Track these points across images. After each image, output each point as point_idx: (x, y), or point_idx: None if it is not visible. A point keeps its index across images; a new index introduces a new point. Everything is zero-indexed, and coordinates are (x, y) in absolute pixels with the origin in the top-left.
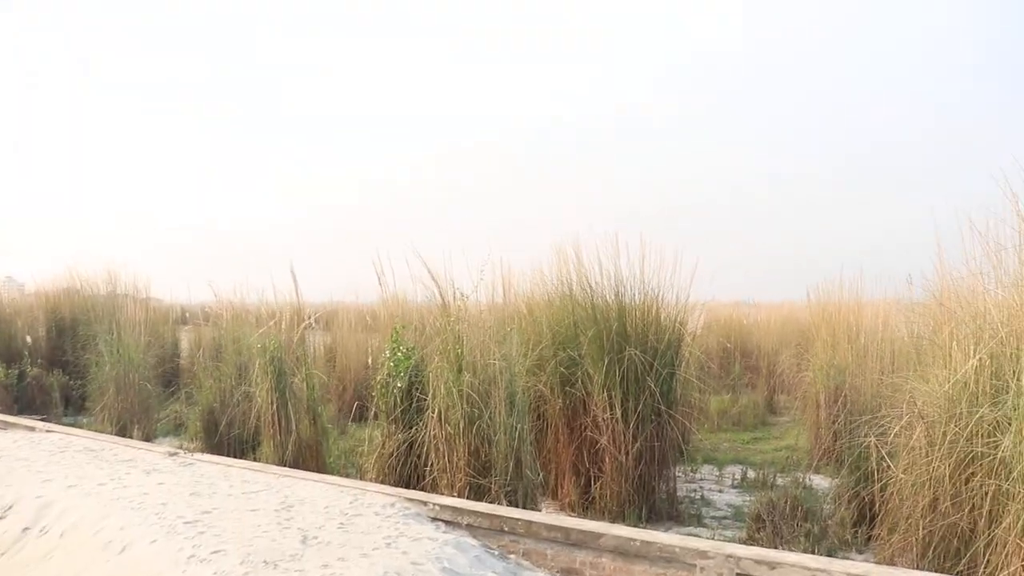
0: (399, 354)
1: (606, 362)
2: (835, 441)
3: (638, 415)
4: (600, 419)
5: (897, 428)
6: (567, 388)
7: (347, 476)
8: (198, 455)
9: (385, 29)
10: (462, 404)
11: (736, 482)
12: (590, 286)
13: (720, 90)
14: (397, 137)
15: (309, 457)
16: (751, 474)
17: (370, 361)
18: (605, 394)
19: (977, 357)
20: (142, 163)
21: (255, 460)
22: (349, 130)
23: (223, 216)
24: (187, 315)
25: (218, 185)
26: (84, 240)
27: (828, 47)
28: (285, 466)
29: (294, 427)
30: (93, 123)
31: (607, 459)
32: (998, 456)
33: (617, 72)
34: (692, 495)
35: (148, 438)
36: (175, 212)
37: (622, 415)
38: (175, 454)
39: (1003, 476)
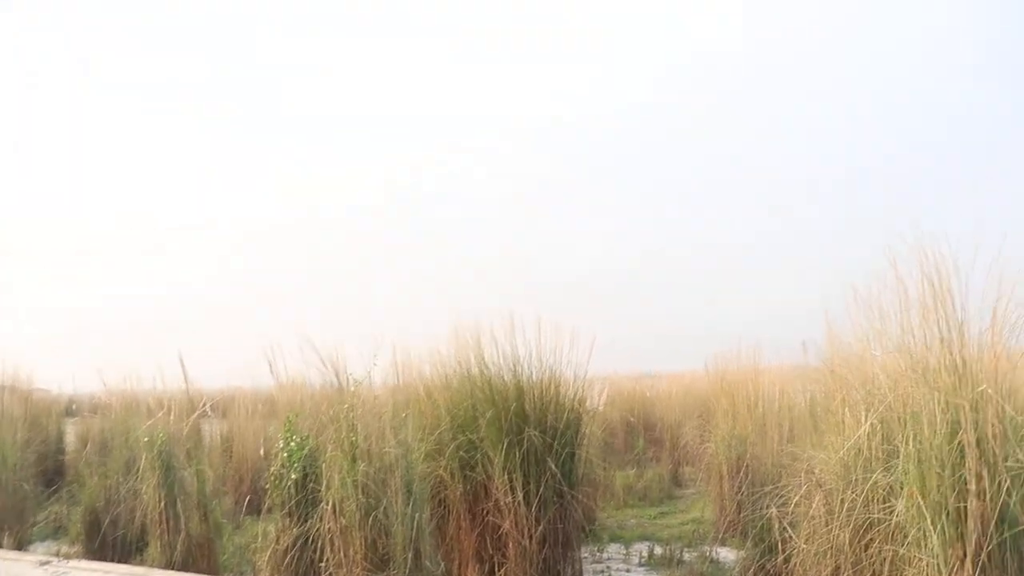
0: (292, 444)
1: (505, 444)
2: (739, 512)
3: (540, 497)
4: (502, 503)
5: (797, 497)
6: (467, 472)
7: (241, 575)
8: (75, 562)
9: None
10: (357, 495)
11: (643, 559)
12: (487, 366)
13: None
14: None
15: (200, 556)
16: (658, 550)
17: (262, 452)
18: (506, 477)
19: (868, 423)
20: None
21: (141, 563)
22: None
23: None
24: (74, 406)
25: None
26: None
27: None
28: (173, 568)
29: (183, 525)
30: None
31: (510, 544)
32: (893, 521)
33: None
34: None
35: (21, 545)
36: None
37: (524, 498)
38: (47, 563)
39: (899, 541)
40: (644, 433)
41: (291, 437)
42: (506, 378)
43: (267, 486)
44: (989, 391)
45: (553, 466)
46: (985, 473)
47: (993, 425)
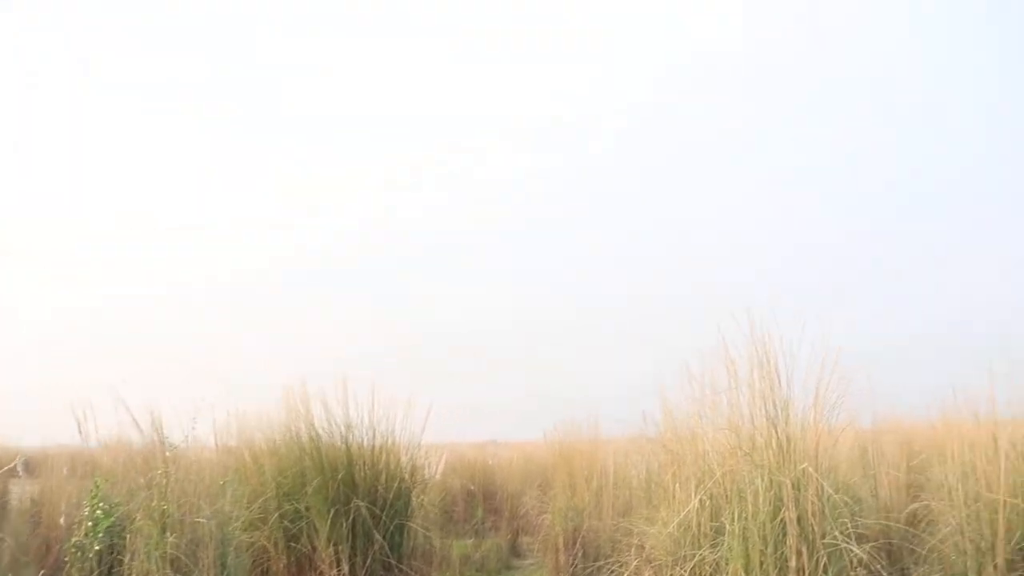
0: (99, 511)
1: (332, 514)
2: None
3: (367, 570)
4: None
5: (627, 573)
6: (292, 543)
7: None
8: None
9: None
10: (164, 568)
11: None
12: (317, 432)
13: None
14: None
15: None
16: None
17: (63, 520)
18: (332, 549)
19: (698, 498)
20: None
21: None
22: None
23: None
24: None
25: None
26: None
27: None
28: None
29: None
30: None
31: None
32: None
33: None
34: None
35: None
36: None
37: (350, 571)
38: None
39: None
40: (484, 502)
41: (97, 504)
42: (337, 445)
43: (67, 558)
44: (810, 469)
45: (380, 538)
46: (804, 550)
47: (813, 503)
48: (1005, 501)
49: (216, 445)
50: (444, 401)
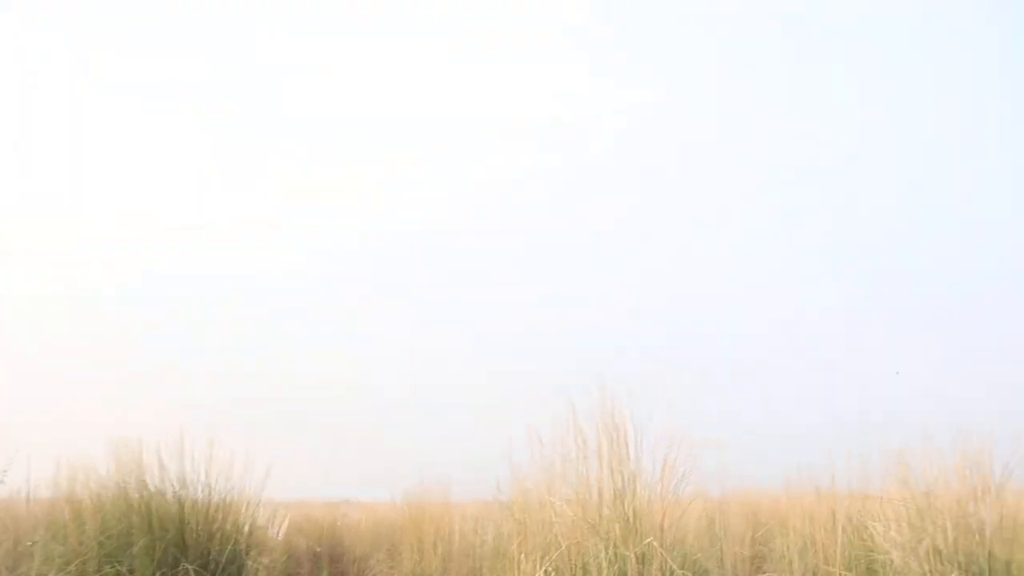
0: None
1: None
2: None
3: None
4: None
5: None
6: None
7: None
8: None
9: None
10: None
11: None
12: (147, 488)
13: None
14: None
15: None
16: None
17: None
18: None
19: (542, 570)
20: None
21: None
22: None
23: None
24: None
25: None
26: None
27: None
28: None
29: None
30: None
31: None
32: None
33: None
34: None
35: None
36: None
37: None
38: None
39: None
40: (330, 565)
41: None
42: (168, 502)
43: None
44: (655, 543)
45: None
46: None
47: None
48: (840, 575)
49: (28, 498)
50: (297, 456)
